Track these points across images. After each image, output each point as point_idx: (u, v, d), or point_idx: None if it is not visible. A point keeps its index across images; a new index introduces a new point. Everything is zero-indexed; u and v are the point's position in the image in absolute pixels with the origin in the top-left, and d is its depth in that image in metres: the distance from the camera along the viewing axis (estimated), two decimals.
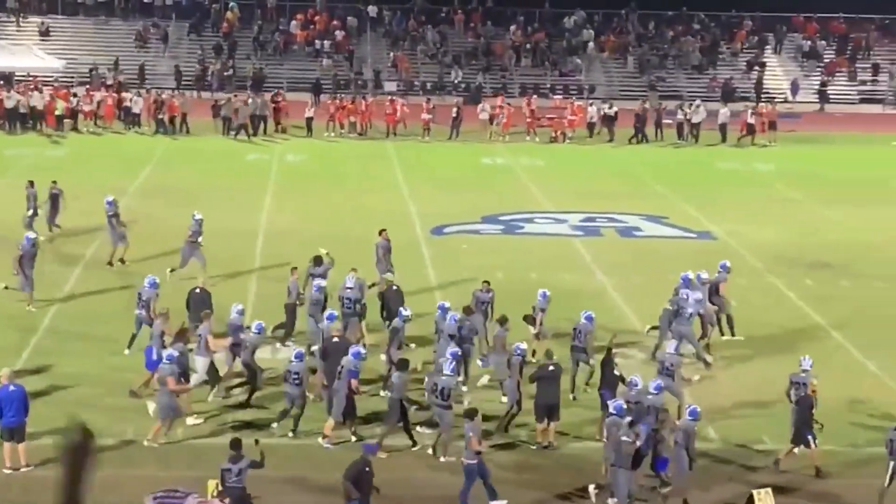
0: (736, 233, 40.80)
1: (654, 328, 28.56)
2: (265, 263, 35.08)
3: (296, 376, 23.41)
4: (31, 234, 31.44)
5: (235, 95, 61.53)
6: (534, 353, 26.61)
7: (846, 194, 48.13)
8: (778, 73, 77.11)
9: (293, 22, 77.04)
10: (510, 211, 43.68)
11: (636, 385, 22.83)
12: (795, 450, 22.48)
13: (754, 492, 20.27)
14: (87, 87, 64.10)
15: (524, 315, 27.57)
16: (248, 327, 25.64)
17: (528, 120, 60.48)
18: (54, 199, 37.33)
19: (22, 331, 28.90)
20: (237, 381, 25.69)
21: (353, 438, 23.23)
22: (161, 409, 22.92)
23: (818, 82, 75.64)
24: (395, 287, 29.02)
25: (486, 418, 23.56)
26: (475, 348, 26.85)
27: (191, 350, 24.89)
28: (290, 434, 23.31)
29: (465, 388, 25.41)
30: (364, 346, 25.87)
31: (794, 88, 74.87)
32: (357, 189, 46.98)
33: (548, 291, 28.23)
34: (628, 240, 40.46)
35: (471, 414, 21.21)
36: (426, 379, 24.38)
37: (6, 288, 30.86)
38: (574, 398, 25.33)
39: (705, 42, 78.31)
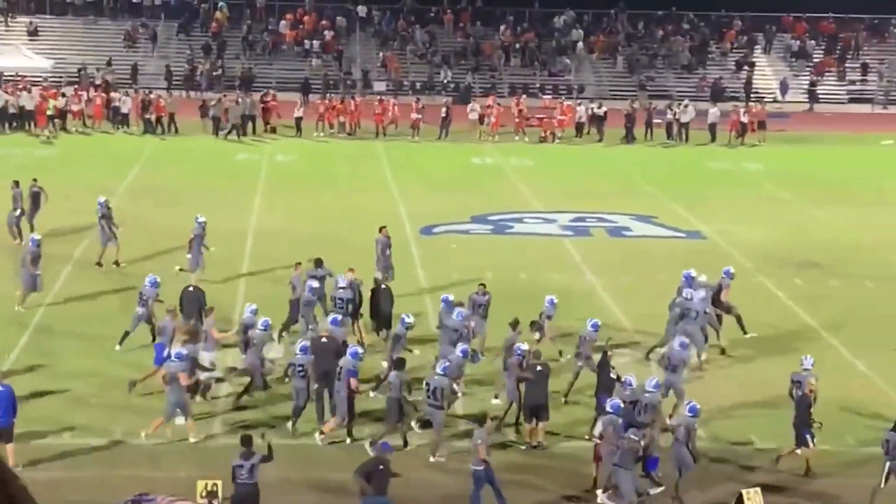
0: (725, 232, 40.82)
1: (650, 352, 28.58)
2: (255, 264, 35.03)
3: (300, 369, 23.43)
4: (37, 236, 31.40)
5: (225, 95, 61.45)
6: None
7: (835, 194, 48.17)
8: (767, 73, 77.17)
9: (282, 22, 76.96)
10: (500, 211, 43.67)
11: (630, 384, 22.84)
12: (798, 451, 22.48)
13: (743, 491, 20.28)
14: (76, 87, 63.98)
15: (531, 321, 27.55)
16: (255, 324, 25.68)
17: (517, 120, 60.50)
18: (35, 198, 37.36)
19: (10, 331, 28.83)
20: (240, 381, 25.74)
21: (349, 440, 23.23)
22: (168, 407, 22.89)
23: (807, 82, 75.73)
24: (384, 286, 28.99)
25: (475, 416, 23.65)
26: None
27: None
28: (295, 428, 23.38)
29: (457, 388, 25.34)
30: (364, 346, 25.95)
31: (784, 88, 74.94)
32: (347, 189, 46.94)
33: (555, 298, 28.23)
34: (618, 240, 40.47)
35: (481, 421, 21.19)
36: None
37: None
38: (565, 402, 25.31)
39: (695, 42, 78.36)
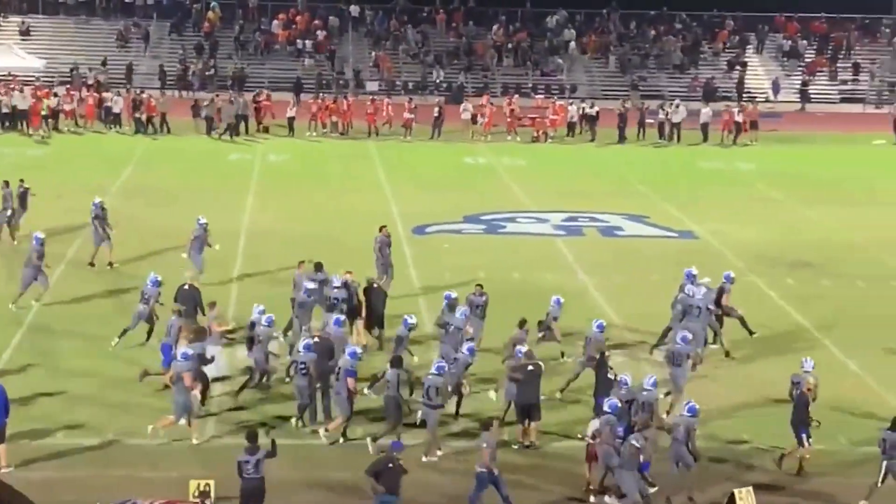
0: (717, 232, 40.88)
1: (655, 346, 28.65)
2: (247, 263, 35.01)
3: (303, 367, 23.50)
4: (40, 234, 31.37)
5: (217, 95, 61.44)
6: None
7: (827, 194, 48.26)
8: (759, 73, 77.27)
9: (275, 21, 76.98)
10: (492, 210, 43.69)
11: (626, 383, 22.86)
12: (799, 449, 22.53)
13: (735, 491, 20.29)
14: (68, 86, 63.89)
15: (538, 321, 27.55)
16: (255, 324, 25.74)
17: (509, 120, 60.53)
18: (22, 198, 37.40)
19: (3, 330, 28.81)
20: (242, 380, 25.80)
21: (342, 439, 23.25)
22: (176, 407, 22.91)
23: (799, 82, 75.85)
24: (375, 285, 28.98)
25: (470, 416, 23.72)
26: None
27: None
28: (300, 424, 23.51)
29: (465, 387, 25.39)
30: (365, 347, 26.00)
31: (776, 88, 75.04)
32: (339, 189, 46.95)
33: (561, 298, 28.30)
34: (610, 239, 40.50)
35: (487, 424, 21.21)
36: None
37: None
38: (560, 399, 25.35)
39: (687, 42, 78.43)
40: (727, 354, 28.39)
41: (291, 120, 58.83)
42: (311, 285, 27.85)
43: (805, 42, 79.47)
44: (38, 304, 30.54)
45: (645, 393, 22.44)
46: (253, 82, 69.28)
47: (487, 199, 45.77)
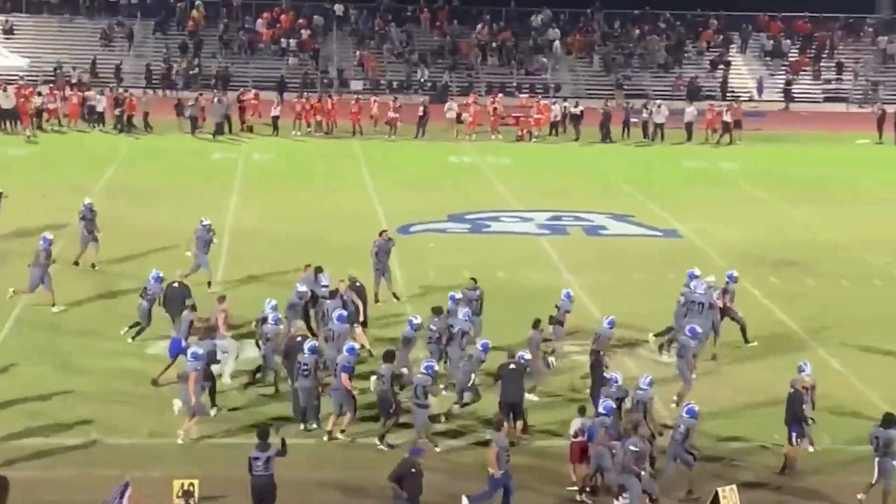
0: (701, 231, 40.93)
1: (657, 335, 28.68)
2: (231, 262, 34.95)
3: (305, 368, 23.46)
4: (49, 235, 31.29)
5: (201, 94, 61.35)
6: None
7: (811, 193, 48.36)
8: (743, 72, 77.42)
9: (259, 20, 76.89)
10: (477, 210, 43.68)
11: (616, 381, 22.89)
12: (800, 447, 22.54)
13: (719, 489, 20.29)
14: (52, 85, 63.73)
15: (549, 316, 27.55)
16: (266, 318, 25.76)
17: (492, 118, 60.56)
18: None
19: None
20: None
21: (326, 437, 23.23)
22: (186, 405, 22.89)
23: (783, 81, 75.99)
24: (358, 284, 28.90)
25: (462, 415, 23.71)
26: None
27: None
28: (313, 426, 23.49)
29: (443, 388, 25.36)
30: (368, 351, 26.06)
31: (760, 87, 75.18)
32: (324, 188, 46.90)
33: (571, 292, 28.37)
34: (594, 238, 40.51)
35: (497, 425, 21.17)
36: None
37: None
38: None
39: (671, 41, 78.56)
40: (713, 357, 28.35)
41: (276, 119, 58.77)
42: (303, 288, 27.84)
43: (789, 41, 79.62)
44: (19, 306, 30.44)
45: (640, 392, 22.46)
46: (237, 81, 69.20)
47: (472, 198, 45.77)
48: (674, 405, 23.89)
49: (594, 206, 44.84)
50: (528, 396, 24.55)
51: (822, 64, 77.91)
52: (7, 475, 19.73)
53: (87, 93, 60.92)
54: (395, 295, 31.58)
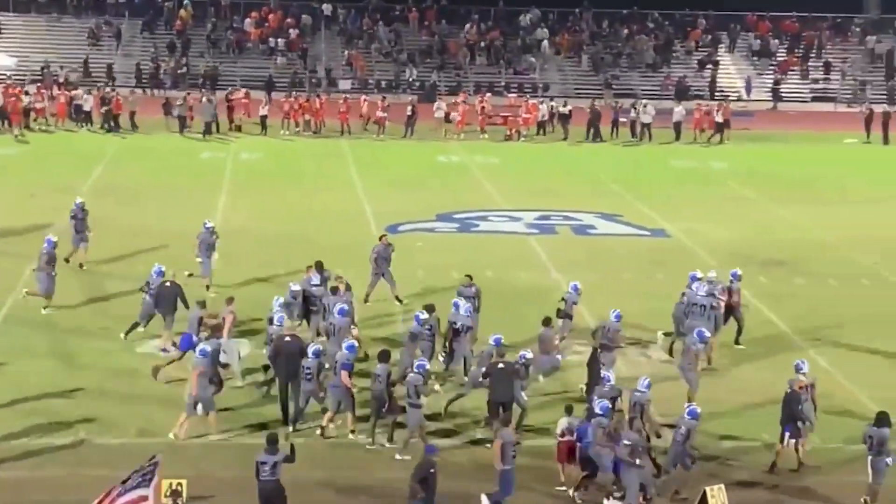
0: (690, 231, 40.97)
1: (667, 334, 28.71)
2: (220, 262, 34.76)
3: (308, 371, 23.46)
4: (53, 237, 31.21)
5: (188, 93, 61.30)
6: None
7: (799, 192, 48.43)
8: (731, 72, 77.54)
9: (247, 20, 76.85)
10: (465, 209, 43.68)
11: (609, 381, 22.91)
12: (800, 446, 22.57)
13: (707, 489, 20.27)
14: (39, 84, 63.62)
15: (557, 309, 27.57)
16: (271, 319, 25.76)
17: (480, 117, 60.57)
18: None
19: None
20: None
21: (318, 432, 23.23)
22: (202, 402, 22.95)
23: (771, 81, 76.11)
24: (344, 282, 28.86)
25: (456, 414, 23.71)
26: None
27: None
28: (319, 431, 23.48)
29: (437, 387, 25.35)
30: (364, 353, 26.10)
31: (749, 87, 75.29)
32: (312, 187, 46.87)
33: (578, 284, 28.41)
34: (583, 238, 40.53)
35: (505, 421, 21.12)
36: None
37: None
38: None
39: (659, 41, 78.64)
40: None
41: (264, 118, 58.74)
42: (296, 287, 27.82)
43: (777, 41, 79.76)
44: (6, 305, 30.38)
45: (637, 394, 22.46)
46: (225, 81, 69.14)
47: (460, 197, 45.77)
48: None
49: (583, 205, 44.87)
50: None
51: (810, 63, 78.06)
52: None
53: (73, 92, 60.81)
54: (398, 298, 31.45)
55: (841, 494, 21.45)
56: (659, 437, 22.27)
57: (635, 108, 61.61)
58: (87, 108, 58.95)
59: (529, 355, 24.36)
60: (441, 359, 26.56)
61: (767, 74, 76.99)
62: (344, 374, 23.23)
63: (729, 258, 36.77)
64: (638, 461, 20.43)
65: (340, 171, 50.37)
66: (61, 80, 65.72)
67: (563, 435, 21.67)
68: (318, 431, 23.27)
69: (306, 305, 27.79)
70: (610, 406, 21.74)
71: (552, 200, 45.48)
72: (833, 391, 26.19)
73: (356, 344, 24.29)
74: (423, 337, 25.87)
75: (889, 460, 20.90)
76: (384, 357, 23.53)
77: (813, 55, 78.74)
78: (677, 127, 60.81)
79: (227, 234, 37.94)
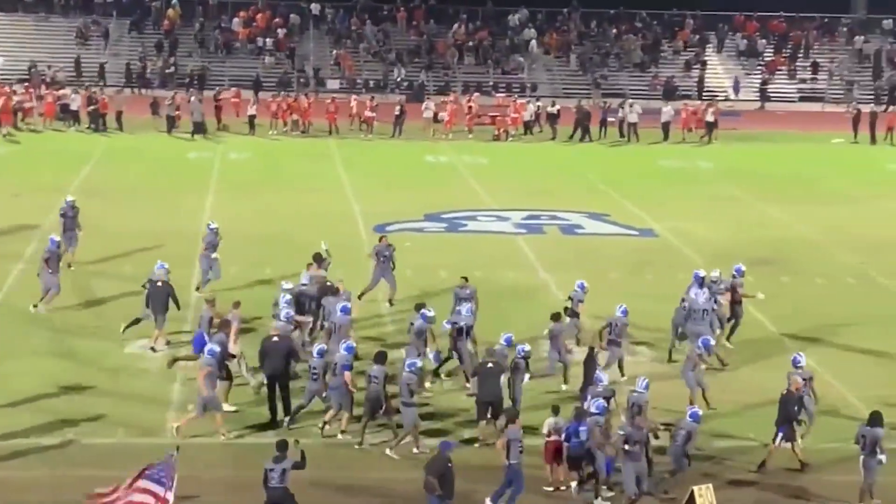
0: (677, 230, 41.04)
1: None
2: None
3: (314, 371, 23.48)
4: (56, 238, 31.17)
5: (175, 93, 61.25)
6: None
7: (787, 192, 48.52)
8: (719, 72, 77.65)
9: (235, 19, 76.81)
10: (453, 209, 43.71)
11: (602, 381, 22.95)
12: (798, 445, 22.61)
13: (695, 488, 20.25)
14: (27, 84, 63.52)
15: (564, 307, 27.61)
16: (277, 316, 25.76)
17: (468, 117, 60.61)
18: None
19: None
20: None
21: (319, 425, 23.23)
22: (208, 400, 23.00)
23: (759, 81, 76.24)
24: (330, 284, 28.83)
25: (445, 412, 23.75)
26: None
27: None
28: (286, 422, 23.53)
29: (429, 385, 25.40)
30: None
31: (737, 87, 75.41)
32: (300, 187, 46.82)
33: (585, 282, 28.45)
34: (571, 237, 40.59)
35: (511, 417, 21.16)
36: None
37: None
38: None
39: (647, 40, 78.73)
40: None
41: (252, 118, 58.71)
42: (289, 285, 27.83)
43: (764, 41, 79.89)
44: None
45: (635, 395, 22.49)
46: (214, 80, 69.09)
47: (448, 197, 45.79)
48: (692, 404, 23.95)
49: (571, 205, 44.93)
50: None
51: (797, 63, 78.22)
52: None
53: (61, 91, 60.71)
54: (390, 301, 31.49)
55: (831, 494, 21.49)
56: (657, 437, 22.27)
57: (622, 108, 61.68)
58: (74, 107, 58.84)
59: (528, 348, 24.40)
60: (430, 355, 26.51)
61: (755, 74, 77.13)
62: (347, 374, 23.22)
63: (716, 257, 36.75)
64: (628, 448, 20.44)
65: (328, 172, 50.36)
66: (48, 79, 65.61)
67: (549, 435, 21.69)
68: (320, 425, 23.26)
69: (299, 305, 27.83)
70: (606, 405, 21.78)
71: (540, 200, 45.52)
72: (821, 390, 26.24)
73: (354, 345, 24.26)
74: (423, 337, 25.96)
75: (881, 458, 20.95)
76: (381, 359, 23.50)
77: (800, 55, 78.90)
78: (666, 127, 60.89)
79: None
